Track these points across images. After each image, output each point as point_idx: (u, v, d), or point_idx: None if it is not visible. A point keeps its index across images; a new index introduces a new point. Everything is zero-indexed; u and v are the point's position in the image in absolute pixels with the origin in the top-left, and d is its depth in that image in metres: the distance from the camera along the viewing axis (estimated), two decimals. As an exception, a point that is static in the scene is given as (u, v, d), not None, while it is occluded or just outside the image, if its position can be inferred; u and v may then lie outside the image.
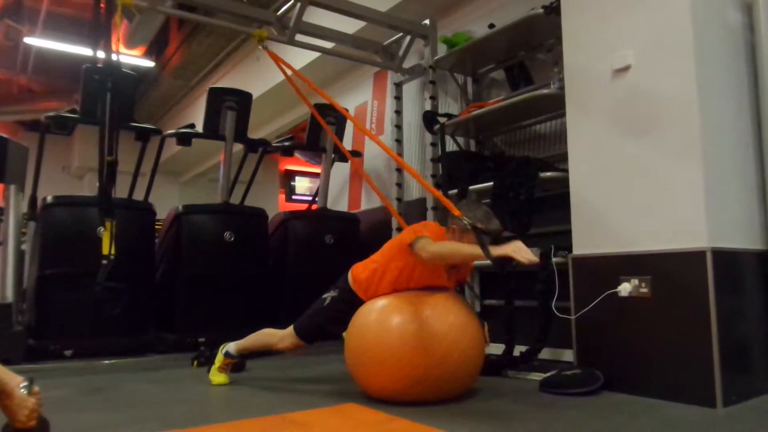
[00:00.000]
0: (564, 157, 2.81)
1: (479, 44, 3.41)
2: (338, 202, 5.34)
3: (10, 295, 3.43)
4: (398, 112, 4.42)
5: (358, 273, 2.50)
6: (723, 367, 2.07)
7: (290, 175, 12.03)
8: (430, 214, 3.91)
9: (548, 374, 2.56)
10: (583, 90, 2.61)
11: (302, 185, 12.08)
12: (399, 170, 4.42)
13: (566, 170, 2.71)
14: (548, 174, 2.87)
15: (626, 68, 2.42)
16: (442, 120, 3.56)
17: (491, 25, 3.33)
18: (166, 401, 2.38)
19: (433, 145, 3.89)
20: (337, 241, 4.46)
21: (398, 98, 4.43)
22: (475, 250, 2.09)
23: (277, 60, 3.37)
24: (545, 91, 2.90)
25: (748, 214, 2.39)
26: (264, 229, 4.32)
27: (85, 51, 6.60)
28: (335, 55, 4.44)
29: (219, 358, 2.78)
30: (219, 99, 4.16)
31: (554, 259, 2.76)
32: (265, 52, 3.39)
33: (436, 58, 3.77)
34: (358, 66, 5.11)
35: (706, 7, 2.32)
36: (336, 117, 4.68)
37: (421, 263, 2.30)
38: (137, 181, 4.18)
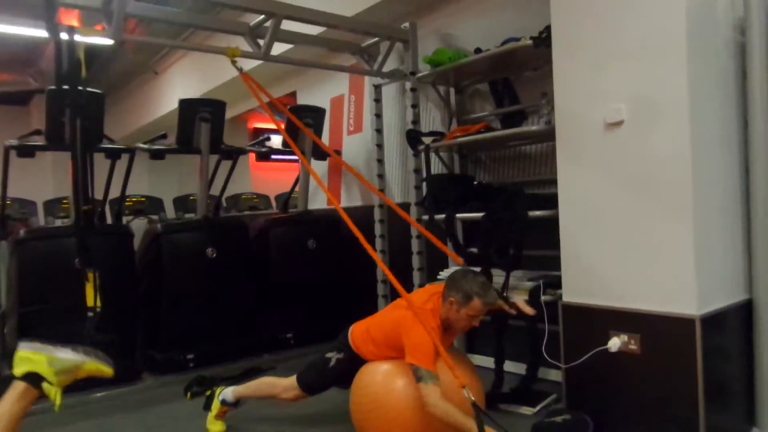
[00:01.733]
0: (552, 181, 2.81)
1: (463, 66, 3.30)
2: (315, 198, 5.24)
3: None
4: (378, 116, 4.31)
5: (357, 338, 2.58)
6: (707, 426, 2.18)
7: (260, 134, 11.71)
8: (414, 225, 3.88)
9: (539, 407, 2.80)
10: (575, 139, 2.57)
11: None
12: (380, 176, 4.36)
13: (555, 196, 2.67)
14: (537, 213, 2.86)
15: (619, 123, 2.39)
16: (426, 141, 3.48)
17: (477, 50, 3.21)
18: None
19: (415, 155, 3.83)
20: (320, 245, 4.43)
21: (378, 101, 4.30)
22: (473, 428, 2.05)
23: (252, 87, 3.22)
24: (534, 128, 2.86)
25: (734, 267, 2.45)
26: (245, 241, 4.26)
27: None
28: (312, 67, 4.28)
29: (216, 406, 2.83)
30: (191, 111, 3.97)
31: (543, 298, 2.82)
32: (240, 76, 3.23)
33: (417, 75, 3.66)
34: (335, 55, 4.90)
35: (703, 63, 2.27)
36: (313, 117, 4.56)
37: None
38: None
